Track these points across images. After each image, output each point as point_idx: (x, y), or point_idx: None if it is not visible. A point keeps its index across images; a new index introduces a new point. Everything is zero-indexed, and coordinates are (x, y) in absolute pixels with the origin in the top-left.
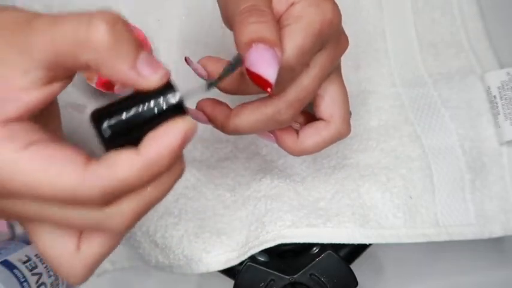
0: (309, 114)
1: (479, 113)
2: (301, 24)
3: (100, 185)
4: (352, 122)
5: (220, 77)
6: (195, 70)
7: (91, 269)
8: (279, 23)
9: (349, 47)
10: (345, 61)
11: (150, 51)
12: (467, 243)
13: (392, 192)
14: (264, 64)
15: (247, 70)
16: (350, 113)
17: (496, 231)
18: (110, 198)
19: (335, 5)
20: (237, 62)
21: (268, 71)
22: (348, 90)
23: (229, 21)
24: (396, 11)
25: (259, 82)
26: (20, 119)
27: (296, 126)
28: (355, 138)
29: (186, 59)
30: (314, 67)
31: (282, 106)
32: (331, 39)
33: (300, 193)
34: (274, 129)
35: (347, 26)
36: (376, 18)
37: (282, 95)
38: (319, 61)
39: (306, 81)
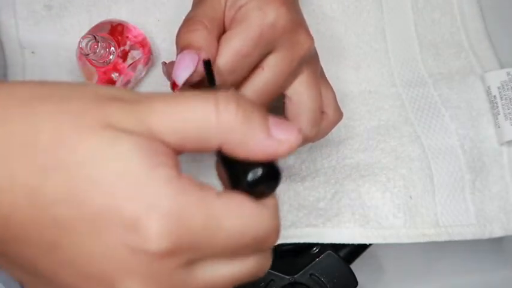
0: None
1: (480, 113)
2: (240, 27)
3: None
4: (352, 122)
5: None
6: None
7: None
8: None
9: (349, 47)
10: (346, 61)
11: (149, 51)
12: (467, 243)
13: (393, 192)
14: (180, 67)
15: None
16: (342, 114)
17: (496, 231)
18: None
19: (281, 8)
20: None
21: (179, 72)
22: (349, 90)
23: None
24: (396, 11)
25: (172, 83)
26: None
27: None
28: (355, 138)
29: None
30: (267, 69)
31: None
32: (282, 41)
33: (300, 193)
34: None
35: (348, 27)
36: (376, 19)
37: None
38: (272, 63)
39: (259, 83)
